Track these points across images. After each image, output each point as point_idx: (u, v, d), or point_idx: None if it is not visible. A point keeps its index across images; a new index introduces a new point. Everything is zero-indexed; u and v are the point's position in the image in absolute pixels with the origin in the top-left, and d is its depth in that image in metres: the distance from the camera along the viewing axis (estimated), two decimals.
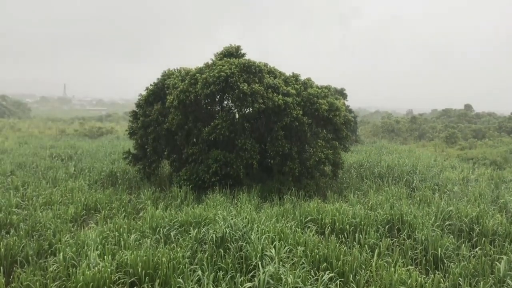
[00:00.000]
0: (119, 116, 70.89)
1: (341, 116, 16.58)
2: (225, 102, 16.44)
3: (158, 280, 7.41)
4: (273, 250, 8.22)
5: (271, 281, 7.17)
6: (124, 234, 9.29)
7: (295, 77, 17.77)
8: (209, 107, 16.57)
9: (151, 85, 17.34)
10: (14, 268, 8.07)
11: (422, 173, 18.73)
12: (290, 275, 7.19)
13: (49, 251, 8.87)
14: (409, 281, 7.34)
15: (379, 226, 10.49)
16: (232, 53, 16.92)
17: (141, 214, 11.62)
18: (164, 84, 16.82)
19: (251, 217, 10.30)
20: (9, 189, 13.55)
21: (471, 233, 10.40)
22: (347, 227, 10.24)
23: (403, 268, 7.77)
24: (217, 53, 17.20)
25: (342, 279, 7.72)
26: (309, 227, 10.37)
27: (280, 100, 15.06)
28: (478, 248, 9.26)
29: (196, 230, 9.39)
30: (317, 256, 8.39)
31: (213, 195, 12.96)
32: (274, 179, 15.75)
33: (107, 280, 7.17)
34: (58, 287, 7.29)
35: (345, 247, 8.96)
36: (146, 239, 9.17)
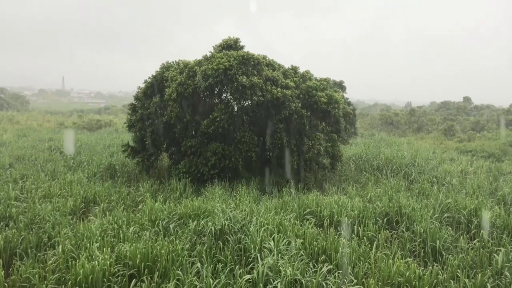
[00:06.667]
0: (118, 109, 70.64)
1: (340, 109, 16.55)
2: (224, 95, 16.35)
3: (157, 272, 7.44)
4: (272, 243, 8.25)
5: (270, 273, 7.20)
6: (123, 227, 9.30)
7: (294, 69, 17.69)
8: (207, 100, 16.49)
9: (149, 77, 17.23)
10: (14, 260, 8.08)
11: (421, 165, 18.76)
12: (289, 267, 7.22)
13: (49, 244, 8.88)
14: (408, 273, 7.38)
15: (377, 218, 10.53)
16: (231, 45, 16.80)
17: (140, 207, 11.62)
18: (163, 76, 16.73)
19: (250, 210, 10.33)
20: (8, 182, 13.52)
21: (469, 225, 10.45)
22: (346, 219, 10.27)
23: (401, 260, 7.80)
24: (216, 45, 17.08)
25: (341, 271, 7.76)
26: (307, 219, 10.40)
27: (279, 93, 15.01)
28: (476, 240, 9.30)
29: (195, 222, 9.41)
30: (316, 248, 8.43)
31: (212, 188, 12.96)
32: (273, 172, 15.76)
33: (106, 273, 7.19)
34: (58, 280, 7.31)
35: (344, 240, 8.99)
36: (145, 231, 9.19)
